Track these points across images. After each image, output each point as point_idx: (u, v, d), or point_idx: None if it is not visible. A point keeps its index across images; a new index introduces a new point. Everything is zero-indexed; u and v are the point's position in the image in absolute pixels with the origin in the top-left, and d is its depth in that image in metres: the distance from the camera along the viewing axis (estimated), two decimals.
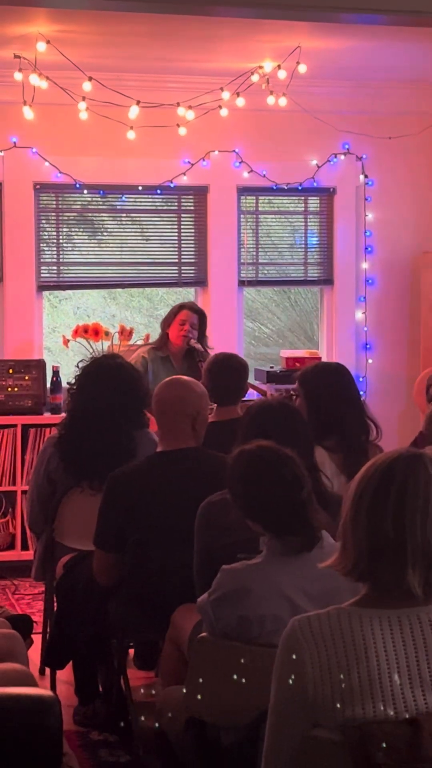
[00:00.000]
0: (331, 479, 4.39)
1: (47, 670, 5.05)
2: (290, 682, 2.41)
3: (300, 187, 8.11)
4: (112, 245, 8.03)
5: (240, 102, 7.29)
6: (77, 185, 7.68)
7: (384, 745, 2.30)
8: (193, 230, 8.07)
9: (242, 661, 3.08)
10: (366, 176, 8.23)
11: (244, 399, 5.67)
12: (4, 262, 7.61)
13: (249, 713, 2.96)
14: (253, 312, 9.31)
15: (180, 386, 4.58)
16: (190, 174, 7.86)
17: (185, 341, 7.08)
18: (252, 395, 6.90)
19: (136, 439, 4.88)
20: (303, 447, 3.84)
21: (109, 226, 8.06)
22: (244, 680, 3.04)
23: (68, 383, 5.21)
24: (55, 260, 7.84)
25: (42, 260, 7.78)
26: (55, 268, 7.84)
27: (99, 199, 7.92)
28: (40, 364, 7.41)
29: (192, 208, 8.07)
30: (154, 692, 4.90)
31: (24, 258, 7.64)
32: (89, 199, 7.90)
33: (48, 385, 7.41)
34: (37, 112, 7.05)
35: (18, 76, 6.78)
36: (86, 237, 8.04)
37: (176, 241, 8.06)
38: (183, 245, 8.07)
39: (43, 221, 7.79)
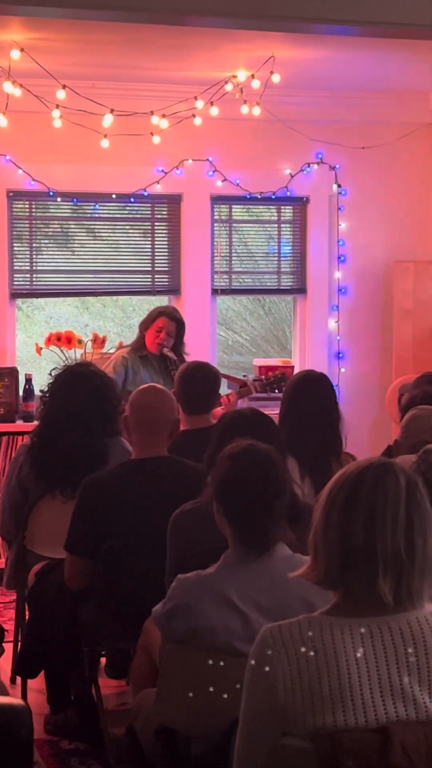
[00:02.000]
0: (301, 488, 4.42)
1: (18, 679, 5.03)
2: (261, 690, 2.42)
3: (273, 196, 8.14)
4: (85, 253, 8.02)
5: (214, 111, 7.30)
6: (51, 193, 7.67)
7: (354, 753, 2.30)
8: (166, 239, 8.08)
9: (213, 670, 3.09)
10: (339, 185, 8.27)
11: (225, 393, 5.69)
12: None
13: (220, 722, 2.96)
14: (227, 320, 9.33)
15: (161, 394, 4.60)
16: (164, 182, 7.86)
17: (159, 349, 7.08)
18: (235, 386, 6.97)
19: (109, 447, 4.88)
20: None
21: (82, 234, 8.06)
22: (215, 689, 3.04)
23: (41, 391, 5.21)
24: (28, 268, 7.83)
25: (15, 268, 7.76)
26: (28, 275, 7.83)
27: (72, 207, 7.91)
28: (13, 372, 7.39)
29: (165, 216, 8.08)
30: (125, 701, 4.90)
31: None
32: (63, 206, 7.89)
33: (20, 392, 7.39)
34: (11, 119, 7.04)
35: None
36: (60, 245, 8.02)
37: (150, 250, 8.06)
38: (156, 254, 8.07)
39: (17, 229, 7.78)
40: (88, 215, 7.99)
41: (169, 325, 7.09)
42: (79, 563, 4.44)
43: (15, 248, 7.76)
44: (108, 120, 7.22)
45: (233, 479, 3.31)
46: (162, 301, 8.18)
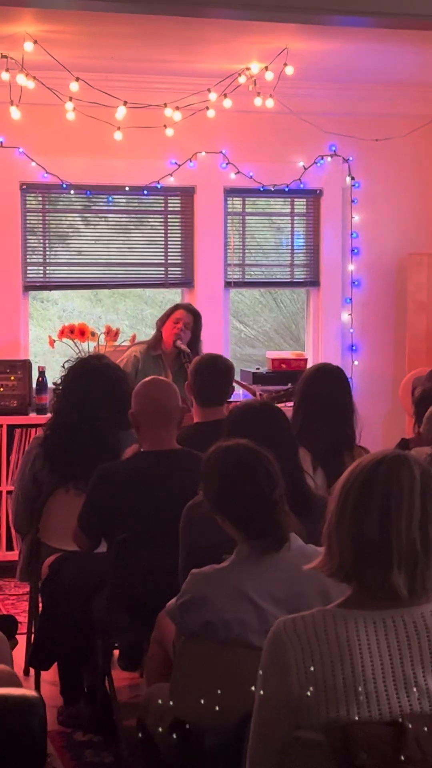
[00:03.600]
0: (314, 479, 4.42)
1: (32, 671, 5.04)
2: (275, 683, 2.42)
3: (286, 189, 8.12)
4: (98, 246, 8.02)
5: (227, 103, 7.29)
6: (64, 185, 7.67)
7: (367, 746, 2.30)
8: (179, 231, 8.07)
9: (227, 663, 3.09)
10: (352, 178, 8.25)
11: (231, 400, 5.68)
12: None
13: (233, 715, 2.96)
14: (239, 313, 9.32)
15: (168, 386, 4.61)
16: (177, 175, 7.86)
17: (175, 339, 7.03)
18: (238, 396, 6.91)
19: (122, 440, 4.88)
20: (286, 448, 3.85)
21: (95, 226, 8.05)
22: (228, 682, 3.04)
23: (54, 383, 5.21)
24: (41, 260, 7.83)
25: (28, 260, 7.76)
26: (41, 268, 7.83)
27: (85, 199, 7.91)
28: (26, 365, 7.40)
29: (179, 209, 8.07)
30: (138, 693, 4.91)
31: (10, 258, 7.63)
32: (76, 199, 7.89)
33: (34, 385, 7.40)
34: (24, 112, 7.04)
35: (5, 75, 6.78)
36: (73, 237, 8.02)
37: (163, 242, 8.06)
38: (169, 246, 8.07)
39: (30, 221, 7.78)
40: (102, 208, 7.98)
41: (186, 316, 7.07)
42: (85, 541, 4.52)
43: (28, 241, 7.77)
44: (121, 112, 7.21)
45: (227, 490, 3.34)
46: (175, 293, 8.17)
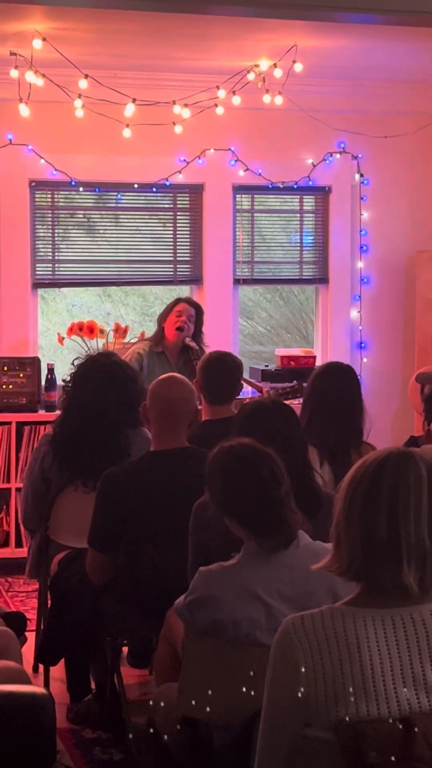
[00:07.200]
0: (321, 475, 4.42)
1: (41, 668, 5.05)
2: (284, 681, 2.42)
3: (295, 186, 8.12)
4: (107, 243, 8.02)
5: (236, 100, 7.29)
6: (73, 183, 7.67)
7: (376, 744, 2.30)
8: (188, 228, 8.07)
9: (236, 661, 3.09)
10: (361, 175, 8.24)
11: (239, 397, 5.68)
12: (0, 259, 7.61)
13: (243, 713, 2.96)
14: (246, 310, 9.32)
15: (182, 385, 4.59)
16: (186, 172, 7.86)
17: (180, 336, 7.05)
18: (247, 393, 6.91)
19: (131, 438, 4.88)
20: (296, 446, 3.85)
21: (104, 223, 8.06)
22: (237, 680, 3.04)
23: (63, 381, 5.21)
24: (50, 258, 7.84)
25: (37, 257, 7.77)
26: (50, 265, 7.84)
27: (94, 196, 7.91)
28: (35, 362, 7.41)
29: (187, 206, 8.07)
30: (147, 691, 4.91)
31: (19, 255, 7.64)
32: (85, 196, 7.90)
33: (43, 382, 7.40)
34: (33, 109, 7.04)
35: (14, 73, 6.79)
36: (82, 234, 8.02)
37: (172, 239, 8.06)
38: (178, 243, 8.07)
39: (39, 218, 7.79)
40: (111, 205, 7.99)
41: (188, 309, 7.11)
42: (99, 558, 4.46)
43: (37, 238, 7.77)
44: (130, 110, 7.22)
45: (231, 490, 3.34)
46: (184, 290, 8.17)
